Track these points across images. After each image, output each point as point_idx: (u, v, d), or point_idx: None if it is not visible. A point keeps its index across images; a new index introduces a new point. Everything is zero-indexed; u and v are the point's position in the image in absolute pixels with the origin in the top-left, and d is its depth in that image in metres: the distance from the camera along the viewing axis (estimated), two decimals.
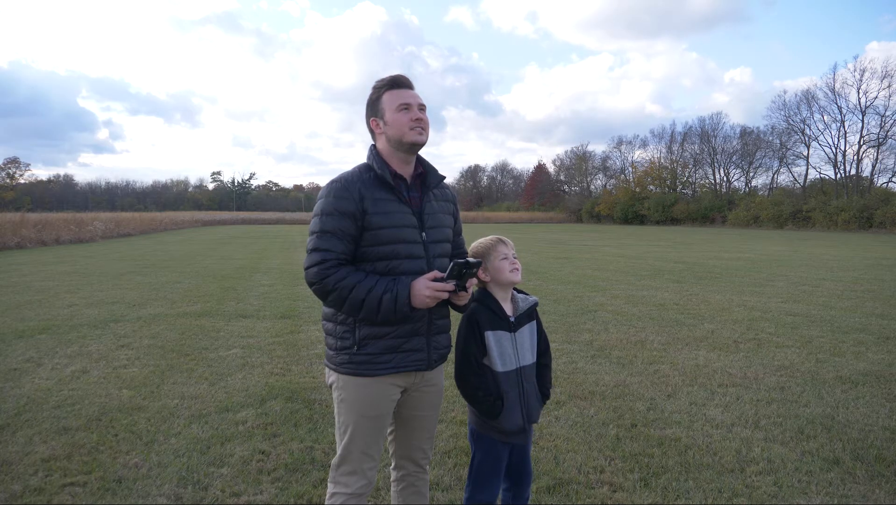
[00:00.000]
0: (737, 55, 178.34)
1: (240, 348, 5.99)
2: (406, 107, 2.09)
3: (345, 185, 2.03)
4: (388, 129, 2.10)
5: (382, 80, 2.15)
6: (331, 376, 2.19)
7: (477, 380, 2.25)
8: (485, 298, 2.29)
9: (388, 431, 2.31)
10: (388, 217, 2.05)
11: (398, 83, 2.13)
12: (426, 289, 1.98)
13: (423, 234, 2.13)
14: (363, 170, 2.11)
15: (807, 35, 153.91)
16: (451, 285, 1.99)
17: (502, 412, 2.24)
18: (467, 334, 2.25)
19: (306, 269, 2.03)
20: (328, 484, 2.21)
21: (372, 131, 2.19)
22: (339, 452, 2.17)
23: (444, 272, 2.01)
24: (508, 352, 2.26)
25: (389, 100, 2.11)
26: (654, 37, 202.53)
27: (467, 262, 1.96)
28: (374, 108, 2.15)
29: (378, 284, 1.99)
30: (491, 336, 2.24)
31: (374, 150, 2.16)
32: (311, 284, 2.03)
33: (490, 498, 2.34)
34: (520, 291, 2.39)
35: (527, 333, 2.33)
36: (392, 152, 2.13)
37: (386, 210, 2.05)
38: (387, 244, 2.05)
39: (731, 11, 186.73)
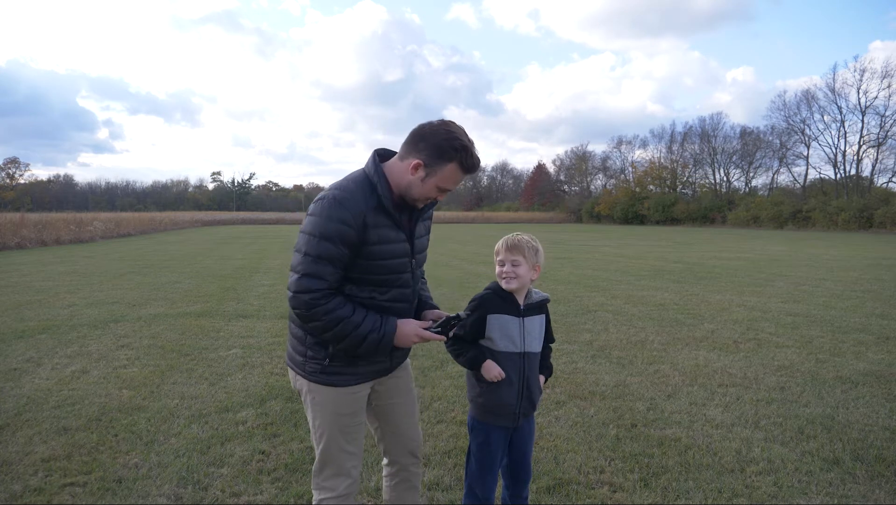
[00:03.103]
0: (740, 54, 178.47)
1: (240, 348, 5.99)
2: (446, 190, 1.99)
3: (351, 213, 1.88)
4: (414, 183, 1.96)
5: (466, 146, 1.92)
6: (299, 381, 2.14)
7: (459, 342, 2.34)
8: (495, 286, 2.36)
9: (374, 427, 2.33)
10: (387, 249, 1.98)
11: (471, 168, 1.97)
12: (415, 336, 2.02)
13: (413, 260, 2.11)
14: (367, 191, 1.94)
15: (810, 34, 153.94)
16: (438, 335, 2.07)
17: (501, 387, 2.30)
18: (469, 312, 2.32)
19: (295, 292, 1.90)
20: (313, 492, 2.17)
21: (404, 158, 1.97)
22: (318, 456, 2.14)
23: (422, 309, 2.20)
24: (514, 334, 2.30)
25: (450, 174, 1.94)
26: (656, 35, 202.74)
27: (458, 315, 2.10)
28: (432, 158, 1.92)
29: (365, 322, 1.94)
30: (494, 319, 2.30)
31: (385, 170, 1.99)
32: (294, 309, 1.93)
33: (487, 488, 2.38)
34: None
35: (536, 322, 2.38)
36: (397, 188, 2.00)
37: (385, 239, 1.97)
38: (381, 274, 2.02)
39: (736, 9, 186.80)
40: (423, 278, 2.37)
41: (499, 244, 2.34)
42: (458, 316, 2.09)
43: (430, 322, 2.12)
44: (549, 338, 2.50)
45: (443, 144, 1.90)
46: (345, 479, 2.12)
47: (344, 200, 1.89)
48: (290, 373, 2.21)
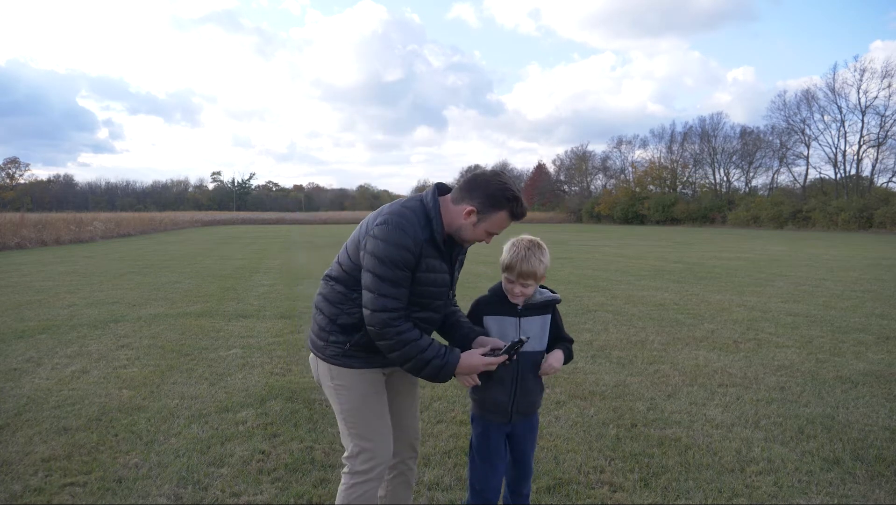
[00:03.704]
0: (740, 54, 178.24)
1: (240, 348, 5.99)
2: (494, 234, 2.14)
3: (413, 240, 2.02)
4: (465, 227, 2.10)
5: (517, 197, 2.08)
6: (320, 367, 2.25)
7: None
8: (497, 289, 2.37)
9: None
10: (431, 277, 2.11)
11: (519, 217, 2.13)
12: (482, 365, 2.13)
13: (450, 291, 2.26)
14: (423, 222, 2.07)
15: (811, 34, 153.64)
16: (503, 358, 2.14)
17: (492, 385, 2.31)
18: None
19: (373, 311, 2.02)
20: (344, 477, 2.23)
21: (458, 202, 2.11)
22: (351, 442, 2.21)
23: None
24: (509, 334, 2.31)
25: (499, 221, 2.09)
26: (657, 35, 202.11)
27: (520, 339, 2.16)
28: (485, 206, 2.07)
29: (430, 348, 2.08)
30: (491, 320, 2.33)
31: (441, 206, 2.12)
32: (369, 325, 2.05)
33: (490, 487, 2.38)
34: (545, 287, 2.42)
35: (537, 322, 2.36)
36: (448, 226, 2.13)
37: (432, 269, 2.11)
38: (421, 298, 2.13)
39: (737, 9, 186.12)
40: (457, 306, 2.43)
41: (510, 260, 2.26)
42: (520, 340, 2.16)
43: (488, 349, 2.20)
44: (565, 338, 2.46)
45: (496, 194, 2.06)
46: (379, 461, 2.21)
47: (406, 228, 2.02)
48: (311, 360, 2.32)
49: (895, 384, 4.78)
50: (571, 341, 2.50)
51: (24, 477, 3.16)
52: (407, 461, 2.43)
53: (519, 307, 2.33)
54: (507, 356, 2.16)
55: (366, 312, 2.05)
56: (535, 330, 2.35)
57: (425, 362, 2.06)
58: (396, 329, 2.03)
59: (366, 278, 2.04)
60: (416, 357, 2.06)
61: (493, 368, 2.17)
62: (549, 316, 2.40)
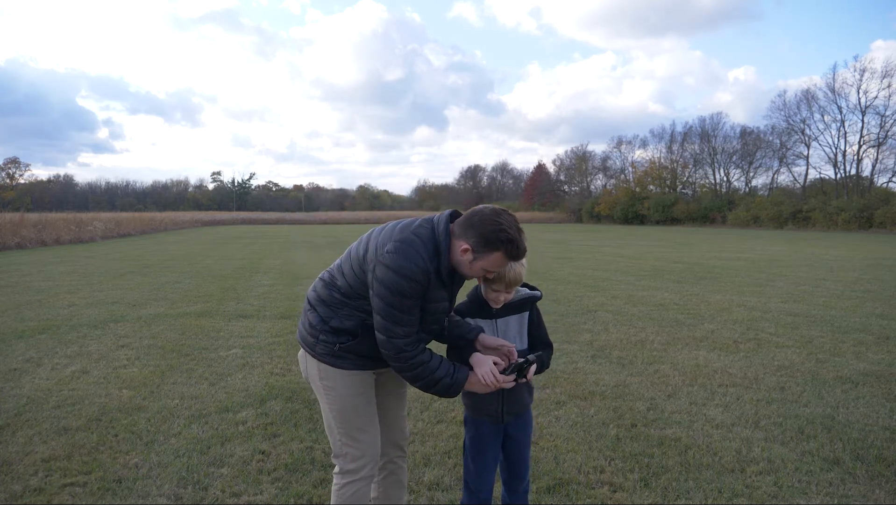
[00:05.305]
0: (741, 54, 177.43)
1: (240, 348, 5.99)
2: (490, 273, 2.13)
3: (421, 271, 2.03)
4: (462, 263, 2.10)
5: (512, 239, 2.03)
6: (309, 363, 2.27)
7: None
8: (474, 294, 2.38)
9: None
10: (432, 306, 2.14)
11: (516, 258, 2.11)
12: (493, 385, 2.15)
13: (447, 316, 2.27)
14: (431, 253, 2.06)
15: (813, 33, 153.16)
16: (512, 377, 2.17)
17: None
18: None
19: (389, 337, 2.06)
20: (334, 477, 2.26)
21: (458, 237, 2.09)
22: (338, 441, 2.23)
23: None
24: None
25: (495, 261, 2.07)
26: (658, 35, 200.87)
27: (527, 359, 2.18)
28: (479, 245, 2.04)
29: (440, 368, 2.13)
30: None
31: (450, 240, 2.10)
32: (384, 350, 2.10)
33: (484, 486, 2.38)
34: (526, 285, 2.39)
35: (514, 322, 2.35)
36: (452, 259, 2.13)
37: (434, 298, 2.13)
38: (421, 323, 2.15)
39: (738, 9, 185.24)
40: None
41: (497, 273, 2.20)
42: (527, 360, 2.16)
43: (499, 360, 2.21)
44: (543, 341, 2.41)
45: (489, 235, 2.03)
46: (367, 461, 2.23)
47: (415, 258, 2.03)
48: (301, 355, 2.34)
49: (895, 384, 4.78)
50: (551, 346, 2.45)
51: (24, 477, 3.16)
52: (396, 460, 2.45)
53: (493, 309, 2.32)
54: (514, 376, 2.18)
55: (379, 336, 2.08)
56: (513, 330, 2.34)
57: (435, 382, 2.12)
58: (409, 354, 2.08)
59: (377, 304, 2.06)
60: (426, 378, 2.11)
61: (510, 386, 2.18)
62: (527, 314, 2.38)
